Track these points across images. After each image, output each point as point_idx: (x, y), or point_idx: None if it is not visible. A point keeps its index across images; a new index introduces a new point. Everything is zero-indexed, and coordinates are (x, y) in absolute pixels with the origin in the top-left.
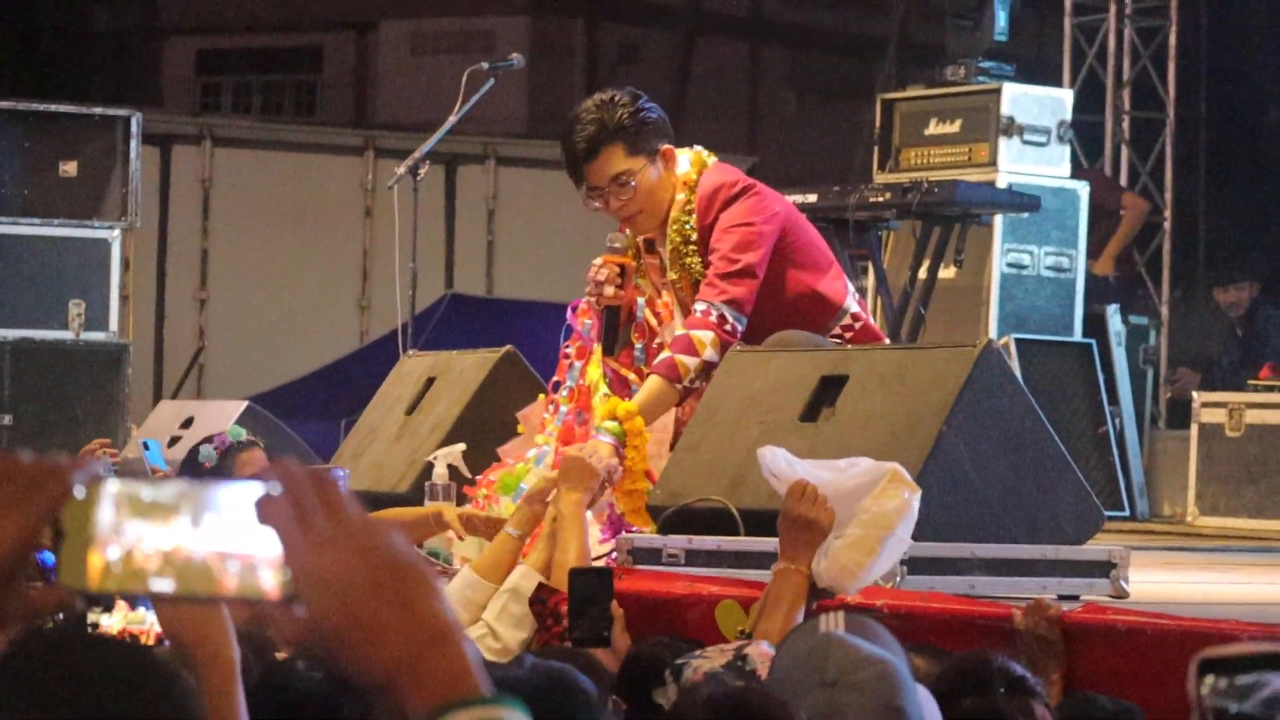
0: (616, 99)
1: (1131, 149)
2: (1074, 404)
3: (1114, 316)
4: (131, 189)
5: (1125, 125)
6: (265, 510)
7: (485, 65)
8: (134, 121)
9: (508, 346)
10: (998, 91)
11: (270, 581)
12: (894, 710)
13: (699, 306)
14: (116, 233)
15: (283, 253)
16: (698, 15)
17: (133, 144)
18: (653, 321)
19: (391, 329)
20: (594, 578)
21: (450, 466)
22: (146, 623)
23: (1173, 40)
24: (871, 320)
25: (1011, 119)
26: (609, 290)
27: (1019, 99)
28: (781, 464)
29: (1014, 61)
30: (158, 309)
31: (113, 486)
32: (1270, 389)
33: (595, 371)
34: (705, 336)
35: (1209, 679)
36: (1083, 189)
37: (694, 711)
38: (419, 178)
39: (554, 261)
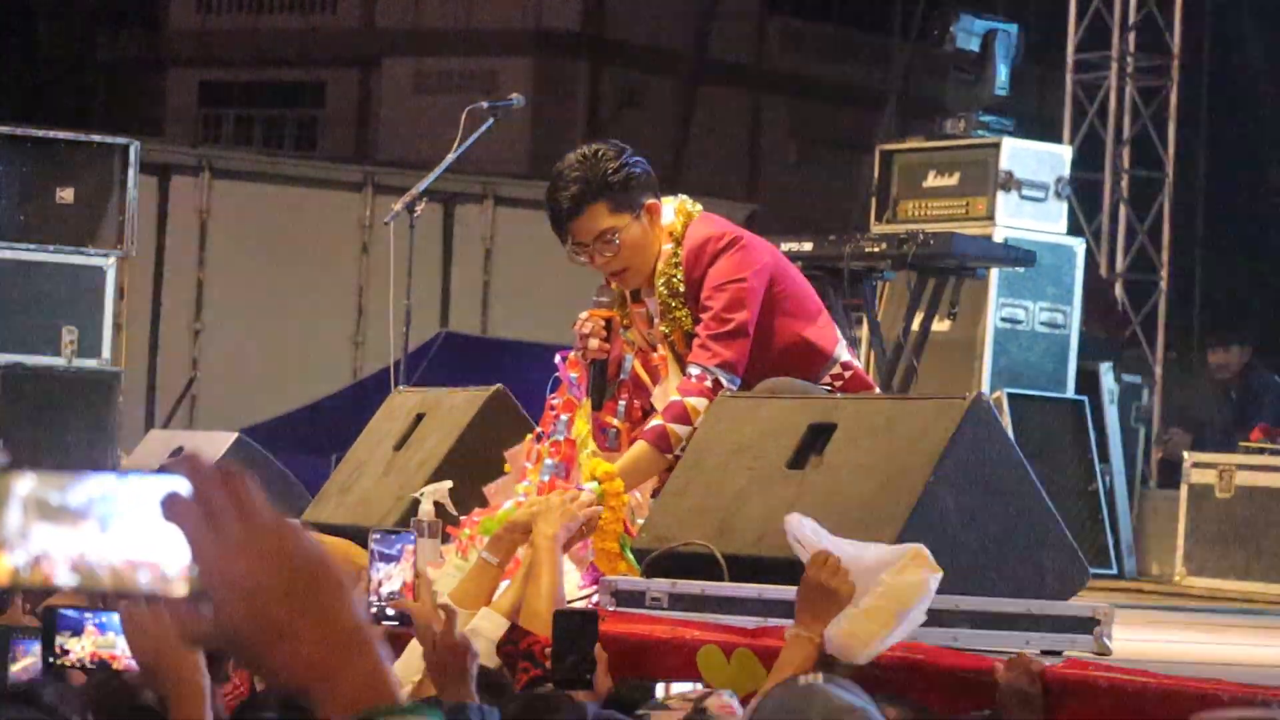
0: (601, 154)
1: (1130, 208)
2: (1065, 460)
3: (1107, 374)
4: (128, 217)
5: (1124, 184)
6: (171, 509)
7: (485, 104)
8: (132, 150)
9: (497, 385)
10: (997, 146)
11: (178, 581)
12: None
13: (693, 370)
14: (112, 260)
15: (278, 286)
16: (701, 62)
17: (130, 172)
18: (644, 377)
19: (385, 365)
20: (578, 619)
21: (437, 504)
22: (117, 648)
23: (1174, 100)
24: (863, 369)
25: (1010, 173)
26: (594, 344)
27: (1018, 153)
28: (808, 532)
29: (1014, 117)
30: (151, 338)
31: (22, 488)
32: (1261, 451)
33: (583, 426)
34: (699, 404)
35: None
36: (1079, 246)
37: None
38: (415, 214)
39: (550, 303)
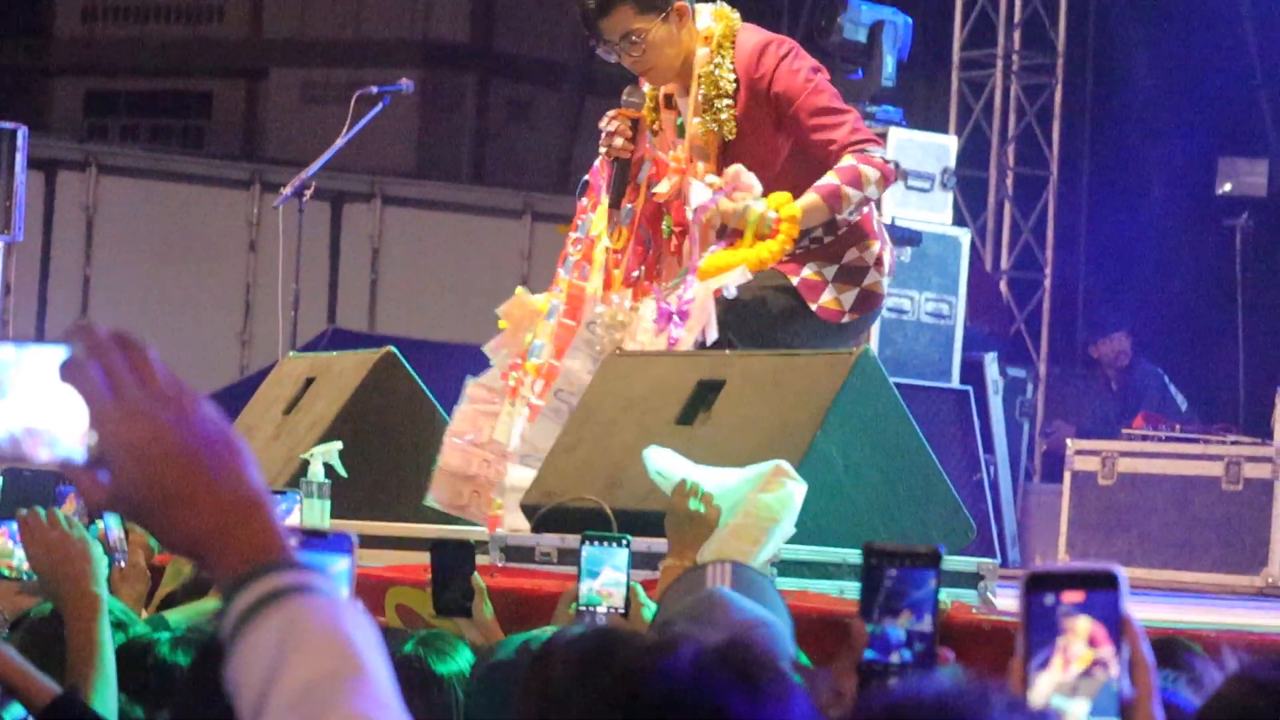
0: None
1: (1014, 205)
2: (949, 450)
3: (992, 365)
4: (15, 203)
5: (1009, 181)
6: (69, 373)
7: (374, 89)
8: (19, 135)
9: (387, 347)
10: (884, 136)
11: (77, 447)
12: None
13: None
14: None
15: (165, 283)
16: (589, 74)
17: (18, 158)
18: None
19: (272, 363)
20: (455, 549)
21: (326, 465)
22: (14, 558)
23: (1058, 99)
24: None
25: (896, 164)
26: (618, 142)
27: (904, 144)
28: (667, 464)
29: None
30: (38, 335)
31: None
32: (1145, 438)
33: (600, 223)
34: (871, 174)
35: (1036, 594)
36: (964, 236)
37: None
38: (304, 199)
39: (437, 302)
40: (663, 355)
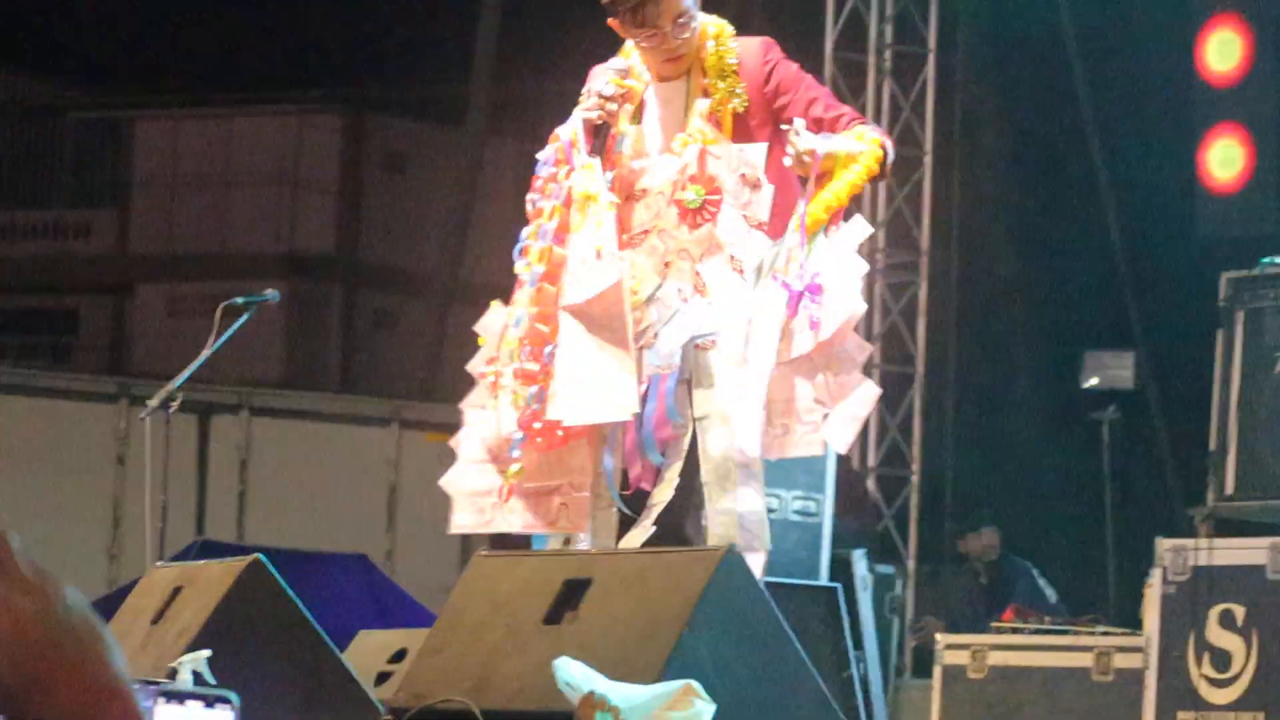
0: None
1: (881, 402)
2: (819, 648)
3: (860, 562)
4: None
5: (875, 380)
6: None
7: (239, 300)
8: None
9: (254, 555)
10: None
11: None
12: None
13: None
14: None
15: (33, 498)
16: (453, 284)
17: None
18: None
19: (140, 575)
20: None
21: (195, 673)
22: None
23: (923, 295)
24: None
25: None
26: (612, 107)
27: None
28: (576, 675)
29: None
30: None
31: None
32: (1015, 631)
33: (595, 183)
34: (890, 147)
35: None
36: None
37: None
38: (171, 411)
39: (306, 511)
40: (529, 555)
